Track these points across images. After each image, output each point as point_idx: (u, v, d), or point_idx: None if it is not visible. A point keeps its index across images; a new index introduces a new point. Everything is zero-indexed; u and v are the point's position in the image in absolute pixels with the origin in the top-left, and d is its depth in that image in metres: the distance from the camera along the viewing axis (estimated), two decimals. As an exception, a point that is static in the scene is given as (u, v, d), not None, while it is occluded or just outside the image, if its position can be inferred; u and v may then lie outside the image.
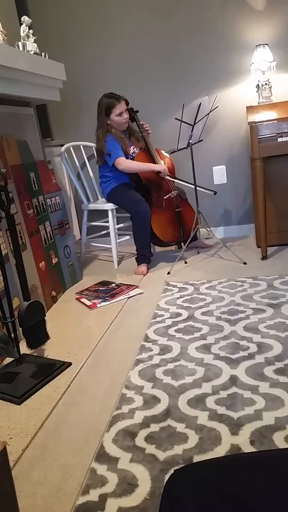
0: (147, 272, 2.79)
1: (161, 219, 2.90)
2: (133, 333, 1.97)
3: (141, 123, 2.95)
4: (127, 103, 2.88)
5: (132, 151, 2.94)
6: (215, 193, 2.84)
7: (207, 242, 3.25)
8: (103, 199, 3.22)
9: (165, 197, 2.84)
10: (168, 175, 2.87)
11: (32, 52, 2.28)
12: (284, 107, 2.83)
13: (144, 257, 2.87)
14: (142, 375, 1.59)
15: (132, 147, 2.96)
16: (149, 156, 2.91)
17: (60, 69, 2.58)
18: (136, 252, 2.91)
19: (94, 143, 3.00)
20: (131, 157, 2.90)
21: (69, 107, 3.34)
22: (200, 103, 2.65)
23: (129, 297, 2.40)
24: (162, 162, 2.93)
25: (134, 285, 2.54)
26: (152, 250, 2.96)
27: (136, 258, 2.91)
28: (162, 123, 3.22)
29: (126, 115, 2.85)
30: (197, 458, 1.13)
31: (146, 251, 2.87)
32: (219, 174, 3.36)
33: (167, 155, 3.04)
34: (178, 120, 2.65)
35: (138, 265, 2.87)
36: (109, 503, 1.03)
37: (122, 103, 2.82)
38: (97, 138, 2.88)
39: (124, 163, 2.80)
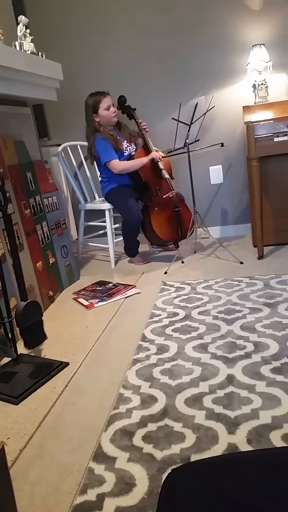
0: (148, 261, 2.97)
1: (160, 218, 2.91)
2: (130, 332, 1.97)
3: (139, 121, 2.95)
4: (124, 100, 2.87)
5: (126, 146, 2.92)
6: (222, 144, 2.83)
7: (204, 242, 3.26)
8: (100, 198, 3.22)
9: (164, 196, 2.84)
10: (161, 158, 2.88)
11: (29, 52, 2.28)
12: (280, 107, 2.84)
13: (132, 253, 3.01)
14: (140, 374, 1.59)
15: (124, 141, 2.94)
16: (148, 153, 2.90)
17: (57, 68, 2.58)
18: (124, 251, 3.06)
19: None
20: (126, 151, 2.90)
21: (66, 107, 3.33)
22: (197, 103, 2.65)
23: (126, 297, 2.40)
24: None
25: (131, 285, 2.54)
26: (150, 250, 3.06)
27: (126, 254, 3.05)
28: (159, 122, 3.23)
29: (114, 109, 2.84)
30: (194, 457, 1.14)
31: (133, 250, 3.01)
32: (216, 174, 3.36)
33: (163, 154, 3.04)
34: (175, 120, 2.66)
35: (131, 259, 3.01)
36: (107, 503, 1.04)
37: (108, 97, 2.81)
38: (86, 137, 2.89)
39: (118, 167, 2.80)
